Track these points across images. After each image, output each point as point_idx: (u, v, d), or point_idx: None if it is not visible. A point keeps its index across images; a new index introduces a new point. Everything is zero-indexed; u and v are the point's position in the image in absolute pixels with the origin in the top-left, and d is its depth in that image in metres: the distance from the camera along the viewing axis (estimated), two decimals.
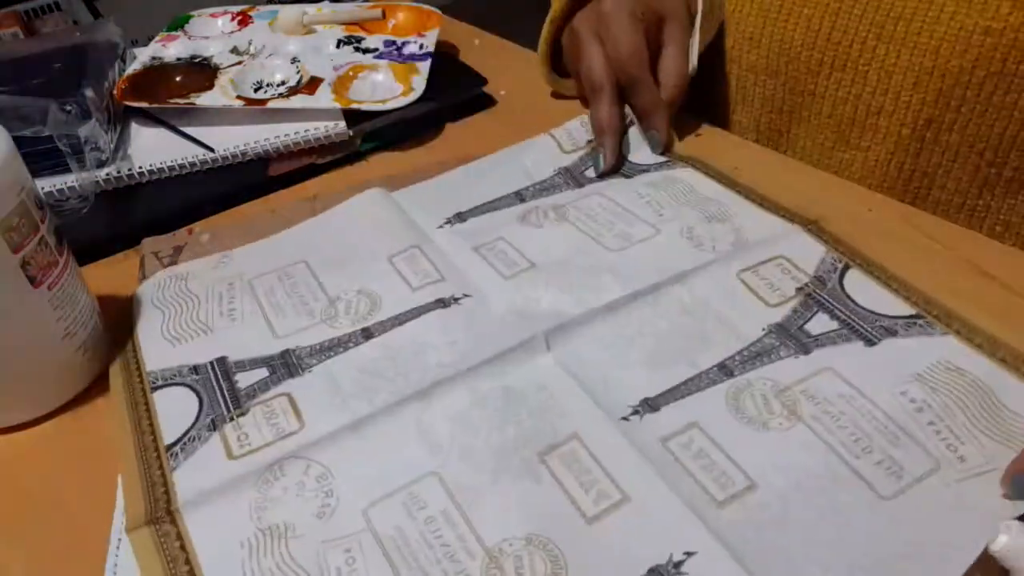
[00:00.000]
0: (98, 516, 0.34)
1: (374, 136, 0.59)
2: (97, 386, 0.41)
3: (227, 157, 0.57)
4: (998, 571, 0.28)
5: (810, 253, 0.44)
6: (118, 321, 0.44)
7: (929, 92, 0.51)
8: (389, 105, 0.58)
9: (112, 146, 0.56)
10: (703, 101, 0.63)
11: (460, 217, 0.50)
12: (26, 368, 0.38)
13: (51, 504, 0.35)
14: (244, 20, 0.73)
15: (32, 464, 0.38)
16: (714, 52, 0.61)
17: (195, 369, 0.40)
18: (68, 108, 0.54)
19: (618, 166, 0.53)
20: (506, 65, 0.69)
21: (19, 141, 0.37)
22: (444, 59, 0.68)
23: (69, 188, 0.53)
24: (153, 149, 0.57)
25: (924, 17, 0.50)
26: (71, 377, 0.40)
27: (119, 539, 0.33)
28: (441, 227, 0.49)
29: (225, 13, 0.74)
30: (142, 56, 0.67)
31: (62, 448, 0.38)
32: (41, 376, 0.39)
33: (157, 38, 0.70)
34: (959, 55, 0.49)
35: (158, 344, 0.42)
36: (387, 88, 0.62)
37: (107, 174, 0.54)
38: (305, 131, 0.57)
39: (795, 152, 0.60)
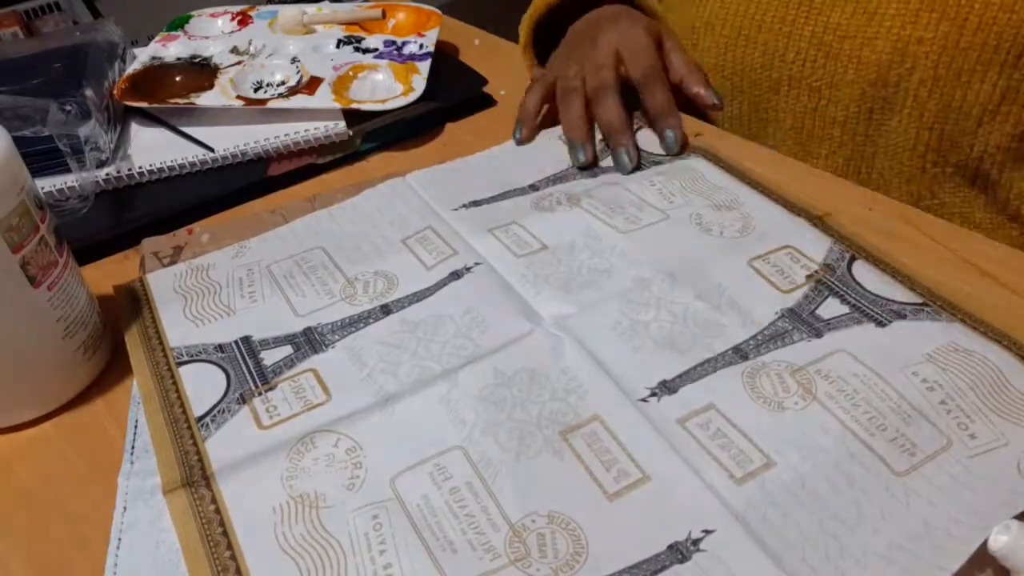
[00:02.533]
0: (98, 516, 0.34)
1: (374, 136, 0.59)
2: (97, 386, 0.41)
3: (227, 157, 0.57)
4: (996, 569, 0.28)
5: (817, 244, 0.44)
6: (118, 321, 0.44)
7: (875, 101, 0.55)
8: (389, 105, 0.58)
9: (112, 146, 0.56)
10: None
11: (476, 203, 0.51)
12: (26, 368, 0.38)
13: (51, 504, 0.35)
14: (244, 20, 0.73)
15: (32, 464, 0.38)
16: None
17: (220, 348, 0.41)
18: (68, 108, 0.54)
19: (639, 163, 0.53)
20: (506, 65, 0.69)
21: (19, 141, 0.37)
22: (444, 59, 0.68)
23: (69, 188, 0.53)
24: (153, 149, 0.57)
25: (865, 33, 0.55)
26: (71, 377, 0.40)
27: (119, 539, 0.33)
28: (456, 210, 0.50)
29: (225, 13, 0.74)
30: (142, 56, 0.67)
31: (62, 448, 0.38)
32: (41, 376, 0.39)
33: (157, 38, 0.70)
34: (897, 64, 0.54)
35: (181, 324, 0.43)
36: (387, 88, 0.62)
37: (107, 174, 0.54)
38: (305, 131, 0.57)
39: None
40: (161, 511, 0.33)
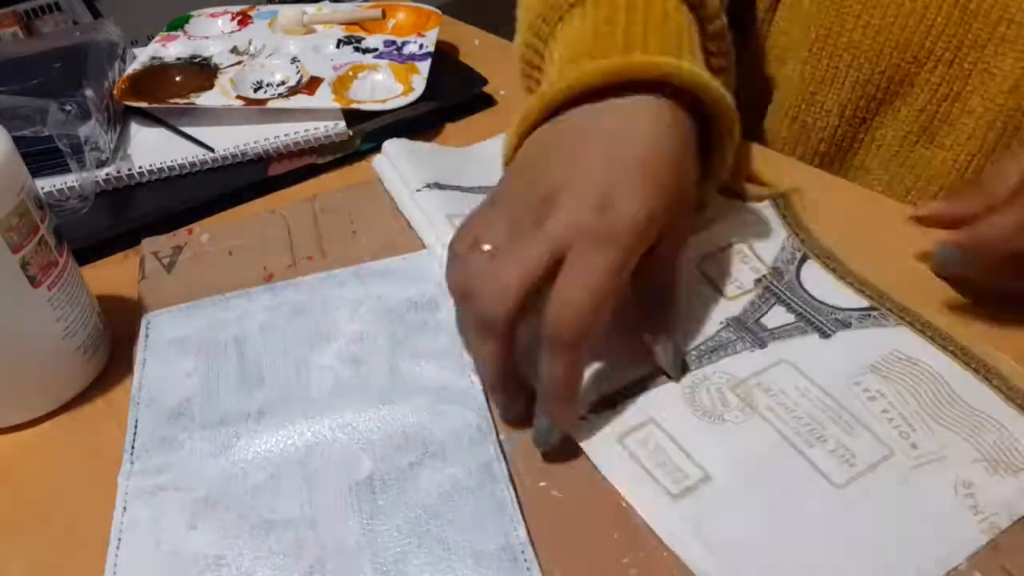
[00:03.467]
0: (98, 516, 0.34)
1: (374, 136, 0.59)
2: (97, 386, 0.41)
3: (227, 157, 0.57)
4: None
5: (770, 240, 0.44)
6: (118, 321, 0.44)
7: None
8: (389, 105, 0.58)
9: (112, 146, 0.56)
10: (784, 76, 0.60)
11: (439, 186, 0.50)
12: (26, 368, 0.38)
13: (51, 504, 0.36)
14: (244, 20, 0.73)
15: (32, 464, 0.38)
16: (805, 26, 0.56)
17: None
18: (68, 108, 0.54)
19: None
20: (506, 65, 0.68)
21: (19, 141, 0.37)
22: (444, 59, 0.68)
23: (69, 188, 0.53)
24: (153, 149, 0.57)
25: None
26: (71, 377, 0.40)
27: (119, 539, 0.33)
28: (420, 191, 0.49)
29: (225, 13, 0.74)
30: (142, 56, 0.67)
31: (62, 448, 0.38)
32: (41, 376, 0.39)
33: (157, 38, 0.70)
34: None
35: None
36: (387, 88, 0.62)
37: (107, 174, 0.54)
38: (305, 131, 0.57)
39: (874, 142, 0.57)
40: (161, 511, 0.33)
